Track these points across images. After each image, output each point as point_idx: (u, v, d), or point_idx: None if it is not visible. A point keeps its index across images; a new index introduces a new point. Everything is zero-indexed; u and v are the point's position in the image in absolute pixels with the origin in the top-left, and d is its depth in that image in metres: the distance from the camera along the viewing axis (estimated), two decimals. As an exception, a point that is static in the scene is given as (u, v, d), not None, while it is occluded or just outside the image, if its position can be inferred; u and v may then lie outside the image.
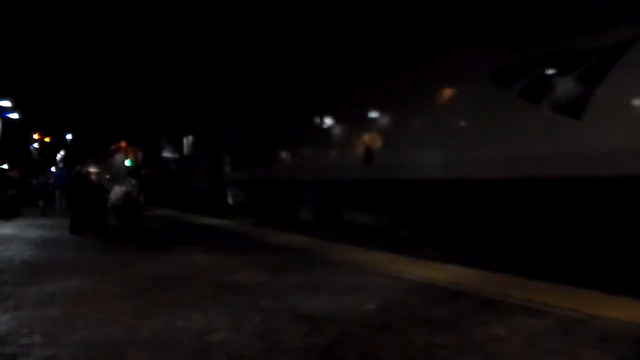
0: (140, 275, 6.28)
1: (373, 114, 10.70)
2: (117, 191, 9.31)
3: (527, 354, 3.40)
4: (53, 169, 30.73)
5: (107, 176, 25.06)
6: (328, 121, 12.39)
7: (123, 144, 35.48)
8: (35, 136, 48.39)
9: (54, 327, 4.01)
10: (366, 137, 10.62)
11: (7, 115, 29.38)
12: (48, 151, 55.62)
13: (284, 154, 14.33)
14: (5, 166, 29.61)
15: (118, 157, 36.09)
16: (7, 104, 27.22)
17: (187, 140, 21.70)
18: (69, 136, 61.15)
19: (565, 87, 6.54)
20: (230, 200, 17.53)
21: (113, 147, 38.53)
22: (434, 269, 6.44)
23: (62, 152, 55.86)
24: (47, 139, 52.64)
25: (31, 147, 48.00)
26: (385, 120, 10.38)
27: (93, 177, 13.94)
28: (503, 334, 3.78)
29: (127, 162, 31.40)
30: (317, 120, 12.71)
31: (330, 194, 11.78)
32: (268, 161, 14.59)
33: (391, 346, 3.56)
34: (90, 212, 11.21)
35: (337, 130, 11.99)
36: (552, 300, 4.64)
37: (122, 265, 7.00)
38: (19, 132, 42.38)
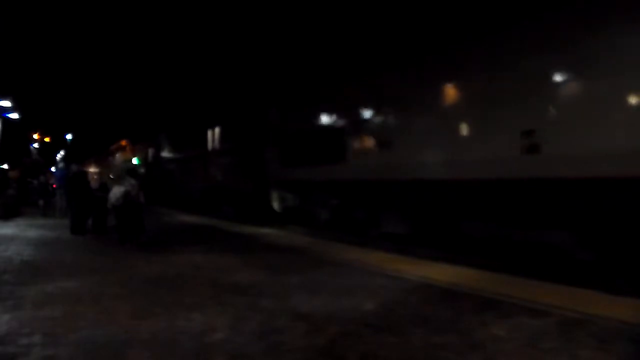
0: (140, 275, 6.28)
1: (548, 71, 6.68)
2: (116, 191, 9.31)
3: (527, 354, 3.40)
4: (53, 169, 30.55)
5: (111, 176, 23.42)
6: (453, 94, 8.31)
7: (124, 142, 35.02)
8: (35, 136, 48.35)
9: (54, 327, 4.01)
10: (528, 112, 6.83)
11: (7, 115, 29.37)
12: (48, 151, 55.65)
13: (369, 145, 10.08)
14: (5, 166, 29.62)
15: (118, 156, 34.58)
16: (7, 104, 27.20)
17: (213, 133, 18.50)
18: (69, 136, 61.20)
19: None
20: (276, 205, 13.88)
21: (113, 146, 38.31)
22: (434, 269, 6.45)
23: (62, 152, 55.88)
24: (47, 139, 52.62)
25: (31, 147, 47.96)
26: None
27: (95, 176, 13.93)
28: (503, 334, 3.78)
29: (135, 160, 30.10)
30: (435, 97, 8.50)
31: (446, 198, 8.31)
32: (338, 155, 10.78)
33: (391, 346, 3.56)
34: (91, 212, 11.21)
35: (469, 103, 7.89)
36: (552, 300, 4.64)
37: (122, 265, 7.01)
38: (19, 132, 42.40)
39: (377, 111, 10.03)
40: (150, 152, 28.43)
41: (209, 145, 18.84)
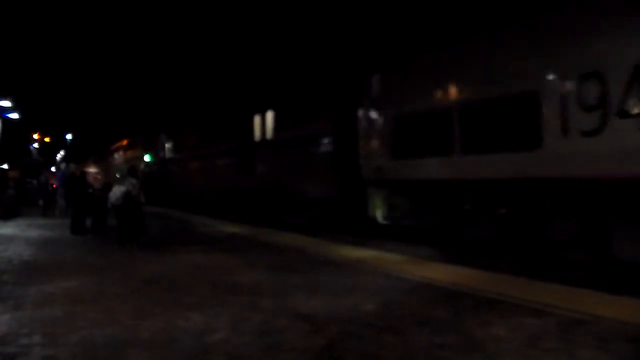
0: (140, 275, 6.28)
1: None
2: (116, 191, 9.31)
3: (527, 354, 3.40)
4: (53, 168, 30.45)
5: (117, 175, 20.55)
6: None
7: (125, 142, 34.33)
8: (35, 136, 48.41)
9: (54, 327, 4.01)
10: None
11: (7, 115, 29.39)
12: (48, 151, 55.69)
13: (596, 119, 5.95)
14: (5, 166, 29.62)
15: (127, 153, 32.17)
16: (7, 104, 27.24)
17: (264, 119, 14.24)
18: (69, 136, 61.25)
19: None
20: (378, 213, 9.79)
21: (114, 146, 38.09)
22: (434, 269, 6.44)
23: (62, 152, 55.92)
24: (47, 139, 52.69)
25: (31, 147, 48.00)
26: None
27: (98, 176, 13.92)
28: (503, 334, 3.78)
29: (147, 158, 27.36)
30: None
31: None
32: (526, 138, 6.81)
33: (391, 346, 3.56)
34: (91, 212, 11.21)
35: None
36: (552, 300, 4.64)
37: (122, 265, 7.01)
38: (19, 132, 42.43)
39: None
40: (166, 147, 24.86)
41: (257, 135, 14.65)
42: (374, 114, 9.97)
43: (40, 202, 17.35)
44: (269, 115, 14.00)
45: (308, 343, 3.64)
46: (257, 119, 14.73)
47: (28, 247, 8.80)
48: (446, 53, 8.33)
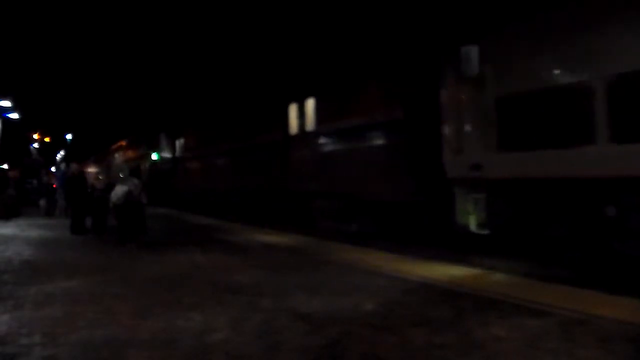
0: (140, 275, 6.28)
1: None
2: (118, 190, 9.31)
3: (527, 354, 3.40)
4: (53, 168, 30.37)
5: (121, 175, 18.77)
6: None
7: (128, 140, 33.95)
8: (35, 136, 48.42)
9: (54, 327, 4.01)
10: None
11: (7, 115, 29.41)
12: (48, 151, 55.69)
13: None
14: (5, 166, 29.61)
15: (130, 152, 30.69)
16: (7, 104, 27.26)
17: (302, 109, 12.20)
18: (69, 136, 61.26)
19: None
20: (472, 222, 7.65)
21: (114, 146, 37.99)
22: (434, 269, 6.44)
23: (62, 152, 55.93)
24: (47, 139, 52.70)
25: (31, 147, 48.02)
26: None
27: (100, 176, 13.87)
28: (503, 334, 3.78)
29: (155, 156, 25.52)
30: None
31: None
32: None
33: (391, 346, 3.56)
34: (91, 212, 11.21)
35: None
36: (552, 300, 4.64)
37: (122, 265, 7.01)
38: (19, 132, 42.44)
39: None
40: (178, 144, 22.66)
41: (292, 127, 12.63)
42: (466, 96, 7.76)
43: (42, 202, 17.35)
44: (310, 104, 11.84)
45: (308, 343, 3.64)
46: (292, 110, 12.57)
47: (28, 247, 8.80)
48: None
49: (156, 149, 25.49)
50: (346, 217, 10.54)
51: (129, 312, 4.45)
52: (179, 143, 22.64)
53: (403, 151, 8.82)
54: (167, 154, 24.36)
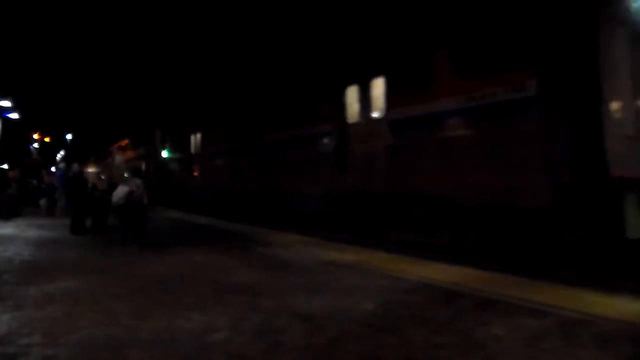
0: (141, 275, 6.28)
1: None
2: (119, 191, 9.31)
3: (527, 354, 3.40)
4: (53, 169, 30.35)
5: (125, 174, 16.40)
6: None
7: (124, 142, 33.71)
8: (35, 136, 48.41)
9: (54, 327, 4.01)
10: None
11: (7, 115, 29.41)
12: (48, 151, 55.68)
13: None
14: (5, 166, 29.62)
15: (140, 150, 28.92)
16: (7, 104, 27.25)
17: (373, 89, 9.74)
18: (69, 136, 61.28)
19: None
20: None
21: (114, 146, 37.89)
22: (434, 269, 6.44)
23: (62, 152, 55.93)
24: (47, 139, 52.68)
25: (31, 147, 48.00)
26: None
27: (102, 176, 13.84)
28: (503, 334, 3.78)
29: (165, 153, 23.78)
30: None
31: None
32: None
33: (391, 346, 3.56)
34: (90, 212, 11.21)
35: None
36: (552, 300, 4.64)
37: (122, 265, 7.00)
38: (19, 132, 42.45)
39: None
40: (194, 139, 20.12)
41: (351, 114, 10.37)
42: None
43: (42, 202, 17.34)
44: (377, 85, 9.57)
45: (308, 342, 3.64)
46: (351, 93, 10.33)
47: (28, 247, 8.79)
48: None
49: (165, 145, 23.67)
50: (432, 225, 8.34)
51: (129, 312, 4.45)
52: (195, 138, 19.99)
53: (537, 139, 6.56)
54: (179, 151, 22.15)
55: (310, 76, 12.59)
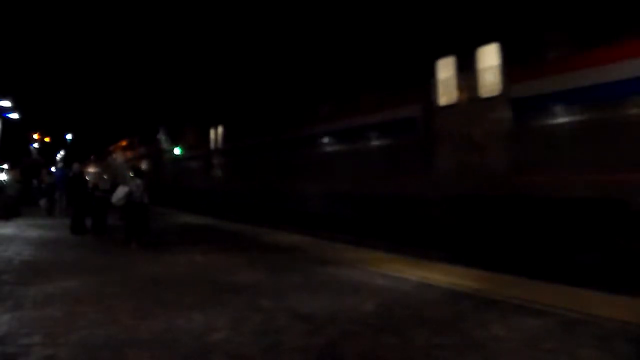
0: (141, 275, 6.28)
1: None
2: (119, 191, 9.30)
3: (527, 354, 3.40)
4: (53, 169, 30.35)
5: (131, 174, 16.48)
6: None
7: (124, 142, 33.61)
8: (35, 136, 48.41)
9: (54, 327, 4.01)
10: None
11: (7, 115, 29.41)
12: (48, 151, 55.68)
13: None
14: (5, 166, 29.61)
15: (152, 147, 27.33)
16: (7, 104, 27.25)
17: (478, 60, 7.84)
18: (69, 136, 61.31)
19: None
20: None
21: (114, 146, 37.83)
22: (434, 269, 6.44)
23: (62, 152, 55.95)
24: (47, 139, 52.68)
25: (31, 147, 48.00)
26: None
27: (104, 176, 13.82)
28: (503, 334, 3.78)
29: (177, 150, 22.05)
30: None
31: None
32: None
33: (391, 346, 3.56)
34: (90, 212, 11.21)
35: None
36: (552, 300, 4.64)
37: (122, 265, 7.00)
38: (19, 132, 42.46)
39: None
40: (214, 135, 18.14)
41: (443, 95, 8.43)
42: None
43: (42, 202, 17.33)
44: (489, 53, 7.61)
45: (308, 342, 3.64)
46: (444, 67, 8.40)
47: (28, 247, 8.79)
48: None
49: (178, 142, 21.54)
50: (578, 238, 6.45)
51: (129, 312, 4.44)
52: (215, 132, 17.74)
53: None
54: (194, 148, 19.97)
55: (373, 51, 10.23)
